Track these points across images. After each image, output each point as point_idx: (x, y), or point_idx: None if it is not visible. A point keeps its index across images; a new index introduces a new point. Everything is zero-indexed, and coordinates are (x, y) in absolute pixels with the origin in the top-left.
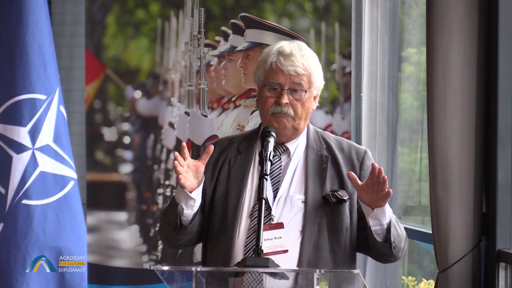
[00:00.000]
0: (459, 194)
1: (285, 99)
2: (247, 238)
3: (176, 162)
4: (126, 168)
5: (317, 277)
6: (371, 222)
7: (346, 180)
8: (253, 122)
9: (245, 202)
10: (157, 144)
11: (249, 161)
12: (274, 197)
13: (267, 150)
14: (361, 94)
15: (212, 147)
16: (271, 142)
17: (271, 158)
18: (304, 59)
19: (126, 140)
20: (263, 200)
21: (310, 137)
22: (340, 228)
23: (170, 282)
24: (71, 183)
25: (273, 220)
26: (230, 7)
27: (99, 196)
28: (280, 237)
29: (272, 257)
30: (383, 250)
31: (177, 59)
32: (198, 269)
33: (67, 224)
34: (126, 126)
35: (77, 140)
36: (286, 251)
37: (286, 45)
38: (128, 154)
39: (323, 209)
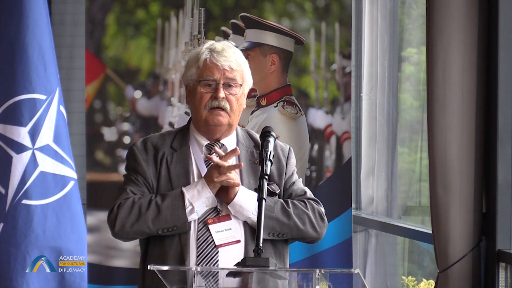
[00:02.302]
0: (459, 194)
1: (222, 93)
2: (198, 231)
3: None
4: None
5: (317, 277)
6: (241, 217)
7: (273, 174)
8: (253, 122)
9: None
10: None
11: (188, 157)
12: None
13: (267, 150)
14: (361, 94)
15: (238, 150)
16: (271, 142)
17: (271, 158)
18: (236, 56)
19: (126, 140)
20: (263, 200)
21: (239, 134)
22: None
23: (170, 282)
24: (71, 183)
25: (220, 213)
26: (230, 7)
27: (99, 196)
28: (230, 228)
29: (225, 248)
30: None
31: (177, 59)
32: (198, 269)
33: (67, 224)
34: (126, 126)
35: (77, 140)
36: (238, 241)
37: (216, 43)
38: None
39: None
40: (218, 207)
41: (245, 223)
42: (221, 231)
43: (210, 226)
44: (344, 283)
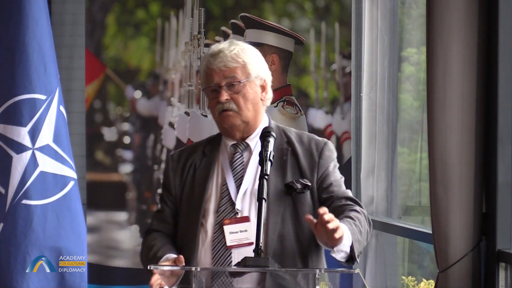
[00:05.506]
0: (459, 194)
1: (224, 96)
2: (214, 233)
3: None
4: (126, 168)
5: (317, 277)
6: (336, 256)
7: (305, 170)
8: None
9: (211, 199)
10: (157, 144)
11: (214, 162)
12: (238, 192)
13: (267, 150)
14: (361, 94)
15: (182, 258)
16: (271, 142)
17: (271, 158)
18: (234, 53)
19: (126, 140)
20: (263, 200)
21: None
22: (303, 217)
23: (169, 282)
24: (71, 183)
25: (238, 214)
26: (230, 7)
27: (99, 196)
28: (246, 230)
29: (238, 250)
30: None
31: (177, 59)
32: (198, 269)
33: (67, 224)
34: (126, 126)
35: (77, 140)
36: (251, 243)
37: (216, 45)
38: (128, 154)
39: (286, 200)
40: (237, 208)
41: (265, 226)
42: (235, 233)
43: (225, 227)
44: (344, 283)
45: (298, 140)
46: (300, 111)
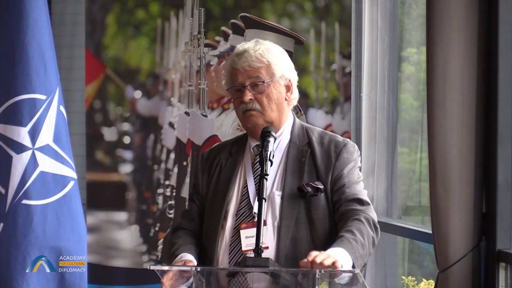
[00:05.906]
0: (459, 194)
1: (247, 96)
2: (232, 237)
3: None
4: (126, 168)
5: (318, 277)
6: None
7: (321, 172)
8: None
9: (232, 202)
10: (157, 144)
11: (239, 162)
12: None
13: (267, 150)
14: (361, 94)
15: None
16: (271, 142)
17: (271, 158)
18: (258, 52)
19: (126, 140)
20: (263, 200)
21: (294, 132)
22: (319, 220)
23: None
24: (71, 183)
25: (255, 218)
26: (230, 7)
27: (99, 196)
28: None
29: (252, 254)
30: None
31: (177, 59)
32: (198, 269)
33: (67, 224)
34: (126, 126)
35: (77, 140)
36: (266, 248)
37: (241, 45)
38: (128, 154)
39: (300, 203)
40: (254, 211)
41: (278, 230)
42: (251, 237)
43: (241, 231)
44: (344, 283)
45: (318, 141)
46: (300, 111)
